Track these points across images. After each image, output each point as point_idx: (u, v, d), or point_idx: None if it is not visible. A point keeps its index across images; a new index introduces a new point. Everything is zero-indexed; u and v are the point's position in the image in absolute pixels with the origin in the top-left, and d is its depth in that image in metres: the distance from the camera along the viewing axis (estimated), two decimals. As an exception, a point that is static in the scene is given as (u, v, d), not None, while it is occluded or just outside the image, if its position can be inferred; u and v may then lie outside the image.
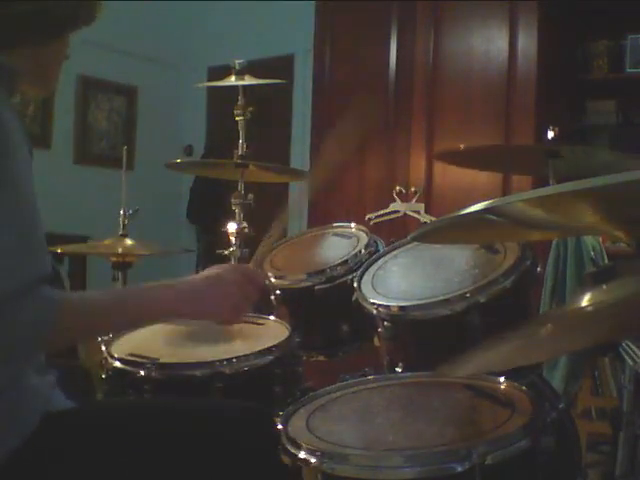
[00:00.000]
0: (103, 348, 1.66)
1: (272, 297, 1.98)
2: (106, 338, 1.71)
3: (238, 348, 1.66)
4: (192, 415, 1.30)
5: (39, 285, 1.08)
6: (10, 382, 1.14)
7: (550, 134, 2.00)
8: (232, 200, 2.53)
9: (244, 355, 1.59)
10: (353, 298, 1.74)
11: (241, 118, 2.59)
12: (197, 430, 1.26)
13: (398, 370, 1.64)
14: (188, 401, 1.40)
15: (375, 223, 3.41)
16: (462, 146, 2.46)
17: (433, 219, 3.19)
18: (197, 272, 1.37)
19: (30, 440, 1.14)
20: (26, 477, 1.15)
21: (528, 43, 3.31)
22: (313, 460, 1.16)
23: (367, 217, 3.42)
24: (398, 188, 3.56)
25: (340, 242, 2.05)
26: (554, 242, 2.48)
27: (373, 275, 1.80)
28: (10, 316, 1.04)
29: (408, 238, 1.79)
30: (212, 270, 1.31)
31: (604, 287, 0.97)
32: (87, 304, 1.17)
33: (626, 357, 1.27)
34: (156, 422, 1.26)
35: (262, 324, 1.85)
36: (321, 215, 3.80)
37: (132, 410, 1.32)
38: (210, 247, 4.87)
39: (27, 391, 1.17)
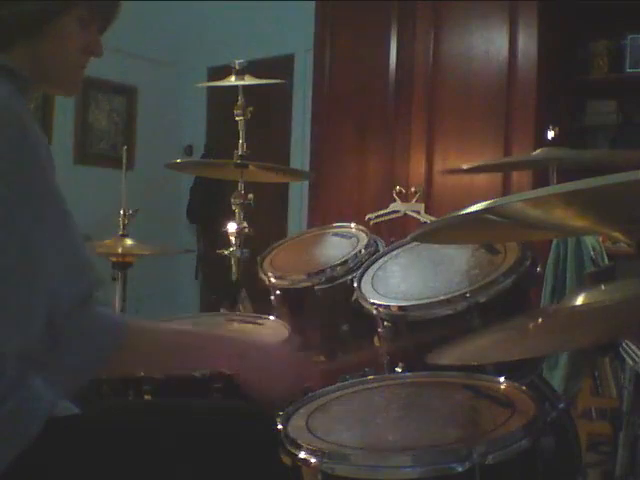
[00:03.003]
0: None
1: (272, 297, 1.99)
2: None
3: (238, 348, 1.65)
4: (193, 417, 1.30)
5: (94, 302, 1.11)
6: (14, 388, 1.15)
7: (550, 134, 1.99)
8: (232, 200, 2.53)
9: (244, 355, 1.58)
10: (353, 298, 1.74)
11: (241, 118, 2.59)
12: (198, 432, 1.26)
13: (398, 370, 1.64)
14: (188, 402, 1.40)
15: (375, 223, 3.42)
16: (465, 166, 2.47)
17: (433, 219, 3.19)
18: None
19: (34, 445, 1.13)
20: None
21: (528, 43, 3.30)
22: (313, 460, 1.16)
23: (367, 217, 3.43)
24: (398, 188, 3.56)
25: (340, 242, 2.05)
26: (554, 242, 2.48)
27: (373, 275, 1.80)
28: (74, 334, 1.07)
29: (408, 238, 1.79)
30: (278, 346, 1.39)
31: (602, 287, 0.97)
32: (151, 334, 1.20)
33: (626, 357, 1.27)
34: (156, 426, 1.26)
35: (262, 324, 1.85)
36: (321, 215, 3.79)
37: (133, 413, 1.32)
38: (210, 247, 4.87)
39: (31, 398, 1.17)
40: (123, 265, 2.61)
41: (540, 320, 0.98)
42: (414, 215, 3.45)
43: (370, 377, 1.55)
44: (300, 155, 4.68)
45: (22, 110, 1.15)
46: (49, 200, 1.13)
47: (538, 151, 1.99)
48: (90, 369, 1.15)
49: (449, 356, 1.21)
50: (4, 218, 1.07)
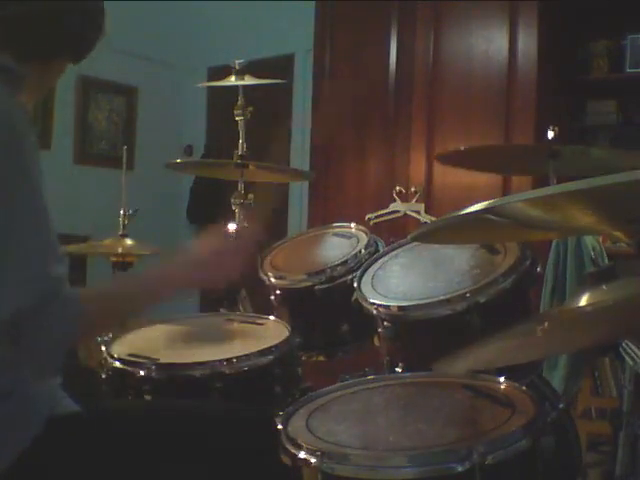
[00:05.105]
0: (103, 348, 1.66)
1: (272, 297, 1.99)
2: (106, 338, 1.71)
3: (238, 348, 1.66)
4: (192, 418, 1.30)
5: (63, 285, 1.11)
6: (13, 388, 1.15)
7: (550, 134, 1.99)
8: (232, 200, 2.53)
9: (244, 355, 1.59)
10: (353, 298, 1.74)
11: (241, 118, 2.59)
12: (198, 432, 1.26)
13: (398, 370, 1.64)
14: (187, 403, 1.41)
15: (375, 223, 3.42)
16: (463, 148, 2.45)
17: (433, 219, 3.19)
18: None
19: (35, 443, 1.14)
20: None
21: (528, 43, 3.30)
22: (313, 460, 1.16)
23: (367, 217, 3.43)
24: (398, 188, 3.56)
25: (340, 242, 2.05)
26: (554, 242, 2.48)
27: (373, 275, 1.80)
28: (43, 320, 1.07)
29: (408, 238, 1.79)
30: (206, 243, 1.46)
31: (604, 287, 0.97)
32: (104, 296, 1.22)
33: (626, 357, 1.27)
34: (158, 425, 1.27)
35: (262, 324, 1.85)
36: (321, 215, 3.79)
37: (134, 413, 1.33)
38: (210, 247, 4.86)
39: (31, 397, 1.17)
40: (123, 265, 2.61)
41: (547, 324, 0.98)
42: (414, 215, 3.45)
43: (370, 377, 1.55)
44: (300, 155, 4.67)
45: (11, 110, 1.15)
46: (27, 199, 1.12)
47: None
48: (59, 352, 1.14)
49: (457, 365, 1.20)
50: None
